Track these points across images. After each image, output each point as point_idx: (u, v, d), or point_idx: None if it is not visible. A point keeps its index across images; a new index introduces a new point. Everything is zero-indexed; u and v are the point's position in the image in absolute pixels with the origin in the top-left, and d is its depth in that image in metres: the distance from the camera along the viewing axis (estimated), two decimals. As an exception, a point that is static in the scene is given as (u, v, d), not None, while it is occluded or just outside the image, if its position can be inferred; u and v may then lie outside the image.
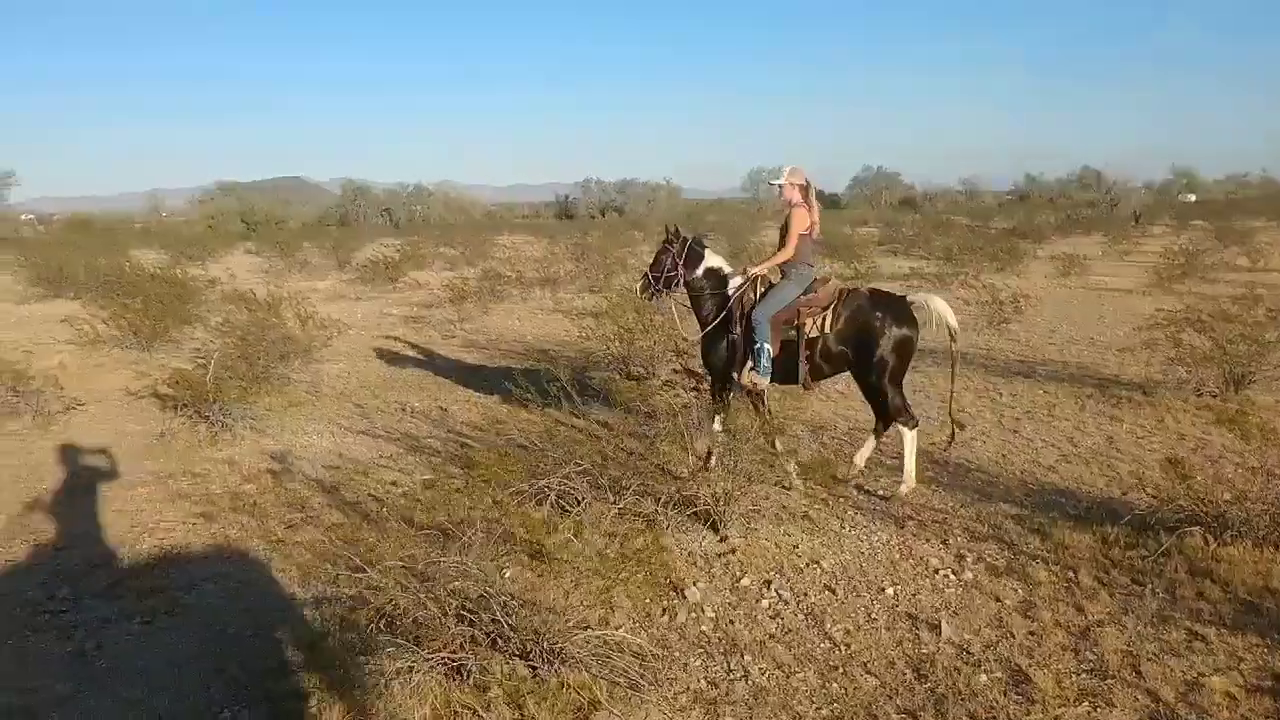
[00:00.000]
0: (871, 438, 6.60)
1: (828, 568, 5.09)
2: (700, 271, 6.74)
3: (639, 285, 7.08)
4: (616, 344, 10.23)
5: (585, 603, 4.29)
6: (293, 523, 6.09)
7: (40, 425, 8.71)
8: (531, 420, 7.92)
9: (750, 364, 6.47)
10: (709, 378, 6.95)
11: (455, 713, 3.66)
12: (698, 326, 6.88)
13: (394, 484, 6.82)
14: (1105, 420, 8.07)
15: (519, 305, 17.41)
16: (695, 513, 5.55)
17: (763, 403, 6.57)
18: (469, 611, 3.92)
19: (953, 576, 4.95)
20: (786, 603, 4.71)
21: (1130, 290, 17.90)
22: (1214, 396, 8.40)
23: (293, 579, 5.20)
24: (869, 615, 4.56)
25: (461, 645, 3.85)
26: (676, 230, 6.88)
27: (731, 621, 4.53)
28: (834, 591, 4.82)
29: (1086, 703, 3.71)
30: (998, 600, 4.67)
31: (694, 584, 4.84)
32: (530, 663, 3.88)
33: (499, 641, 3.90)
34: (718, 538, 5.44)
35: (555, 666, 3.84)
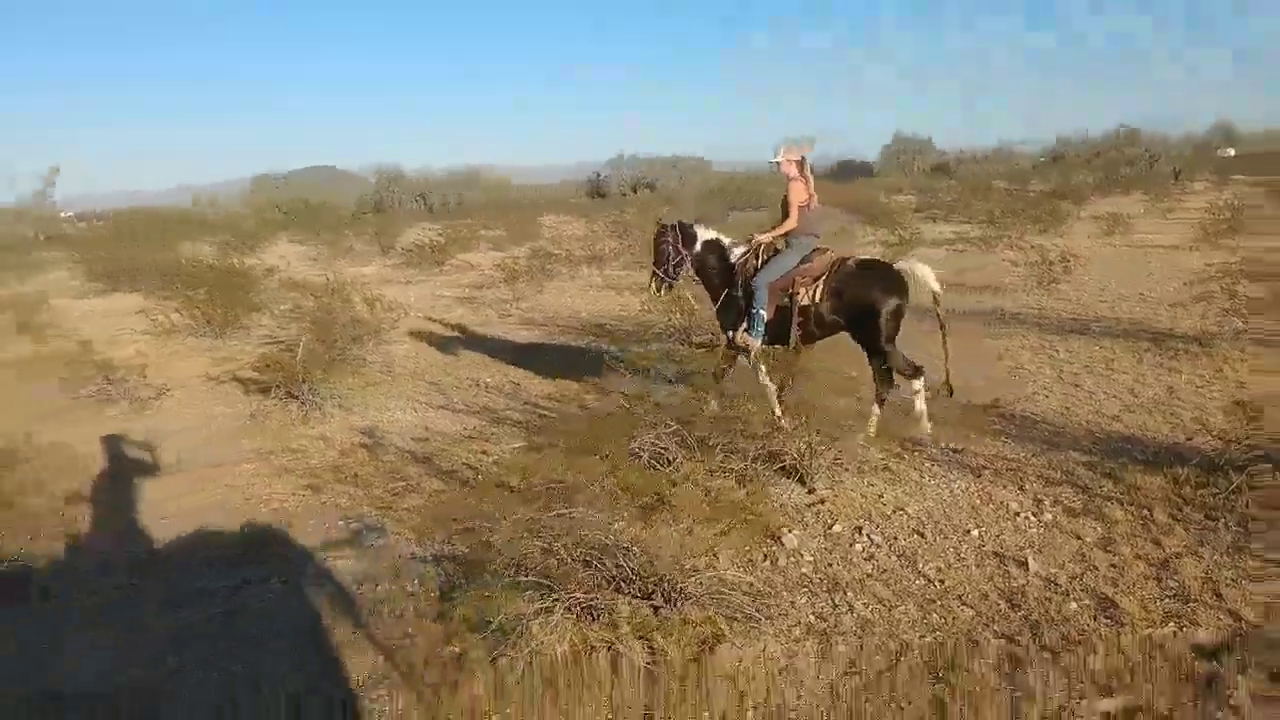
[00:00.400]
0: (875, 406, 6.84)
1: (913, 514, 5.39)
2: (699, 248, 7.30)
3: (651, 284, 7.54)
4: (678, 315, 10.51)
5: (694, 550, 4.60)
6: (396, 490, 6.46)
7: (136, 410, 9.16)
8: (604, 390, 8.28)
9: (745, 325, 7.01)
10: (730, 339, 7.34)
11: (591, 648, 4.00)
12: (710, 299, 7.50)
13: (484, 453, 7.18)
14: (1164, 372, 8.27)
15: (569, 283, 17.73)
16: (782, 467, 5.85)
17: (748, 359, 7.19)
18: (594, 558, 4.26)
19: (1032, 518, 5.23)
20: (878, 546, 5.01)
21: (1176, 246, 17.94)
22: (1270, 346, 8.56)
23: (409, 539, 5.54)
24: (958, 555, 4.86)
25: (589, 589, 4.19)
26: (664, 223, 7.47)
27: (829, 564, 4.84)
28: (922, 535, 5.12)
29: (1172, 623, 4.00)
30: (1078, 538, 4.94)
31: (789, 531, 5.15)
32: (652, 603, 4.22)
33: (622, 585, 4.23)
34: (805, 490, 5.74)
35: (676, 605, 4.17)
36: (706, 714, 3.60)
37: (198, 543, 5.73)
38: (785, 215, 6.98)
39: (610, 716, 3.63)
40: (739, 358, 7.31)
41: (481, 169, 76.16)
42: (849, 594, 4.49)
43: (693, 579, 4.28)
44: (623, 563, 4.23)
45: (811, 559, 4.90)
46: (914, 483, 5.85)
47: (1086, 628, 4.02)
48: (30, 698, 4.00)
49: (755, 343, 6.97)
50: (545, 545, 4.36)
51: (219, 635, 4.55)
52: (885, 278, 6.74)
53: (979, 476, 5.91)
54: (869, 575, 4.70)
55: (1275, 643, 3.75)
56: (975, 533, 5.09)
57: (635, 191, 67.16)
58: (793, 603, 4.43)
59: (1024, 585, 4.47)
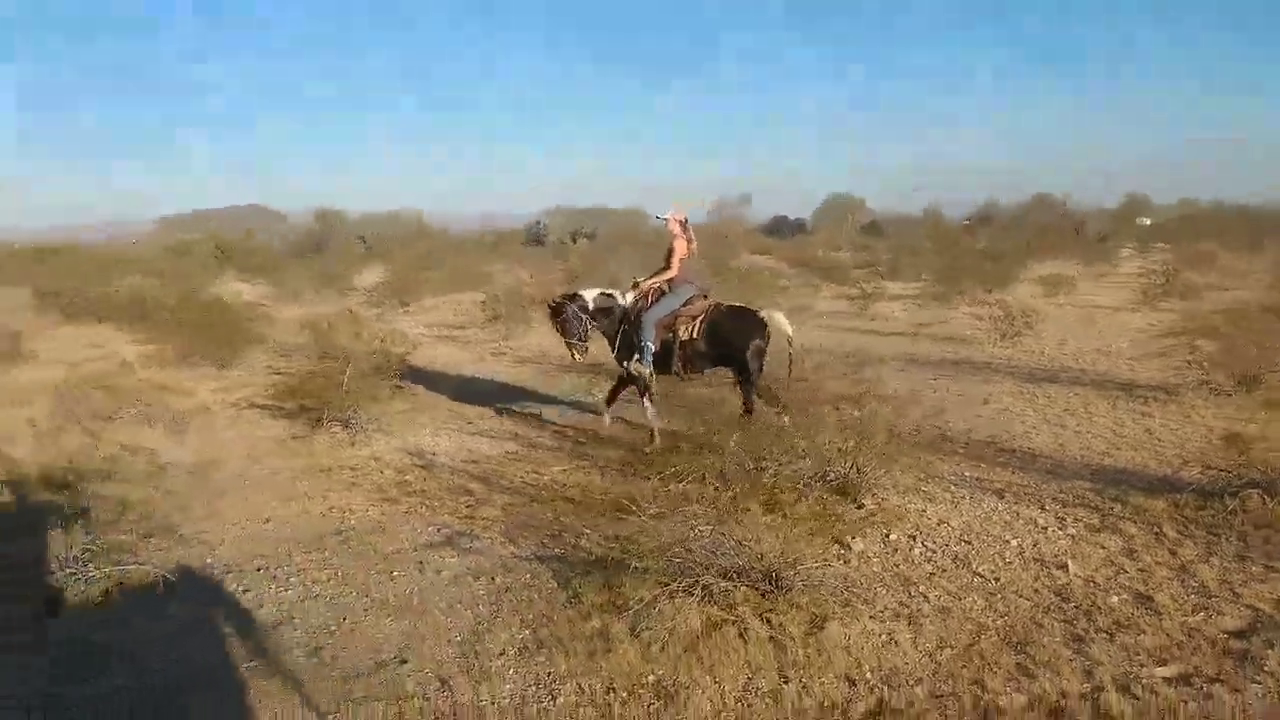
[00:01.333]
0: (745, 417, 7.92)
1: (956, 526, 6.14)
2: (593, 307, 8.55)
3: (573, 353, 8.74)
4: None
5: (783, 550, 5.26)
6: (470, 504, 7.03)
7: (175, 430, 9.54)
8: (625, 422, 9.00)
9: (636, 356, 8.28)
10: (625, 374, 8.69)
11: (717, 624, 4.65)
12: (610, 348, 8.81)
13: (536, 473, 7.79)
14: (1138, 416, 9.18)
15: (546, 323, 18.28)
16: (831, 486, 6.56)
17: (645, 386, 8.48)
18: (709, 553, 4.92)
19: (1059, 532, 6.01)
20: (933, 551, 5.74)
21: (1117, 307, 19.15)
22: (1229, 395, 9.55)
23: (501, 543, 6.13)
24: (1004, 559, 5.61)
25: (707, 577, 4.84)
26: (563, 297, 8.74)
27: (895, 565, 5.56)
28: (969, 543, 5.86)
29: (1201, 613, 4.78)
30: (1103, 548, 5.72)
31: (852, 538, 5.85)
32: (759, 589, 4.89)
33: (733, 574, 4.89)
34: (855, 504, 6.46)
35: (782, 592, 4.85)
36: (831, 674, 4.25)
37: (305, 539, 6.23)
38: (668, 264, 8.34)
39: (749, 675, 4.27)
40: (637, 386, 8.56)
41: (408, 213, 75.70)
42: (920, 588, 5.20)
43: (793, 571, 4.94)
44: (732, 557, 4.88)
45: (878, 561, 5.60)
46: (948, 501, 6.60)
47: (1130, 615, 4.78)
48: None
49: (646, 370, 8.27)
50: (659, 543, 4.99)
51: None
52: (750, 321, 8.18)
53: (1002, 498, 6.68)
54: (931, 574, 5.41)
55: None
56: (1014, 542, 5.85)
57: (574, 240, 67.83)
58: (875, 594, 5.11)
59: (1068, 584, 5.22)
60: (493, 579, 5.54)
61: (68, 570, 5.19)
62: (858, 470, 6.49)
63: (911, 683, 4.19)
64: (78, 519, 5.39)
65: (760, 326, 8.09)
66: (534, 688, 4.30)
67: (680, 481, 6.13)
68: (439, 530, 6.46)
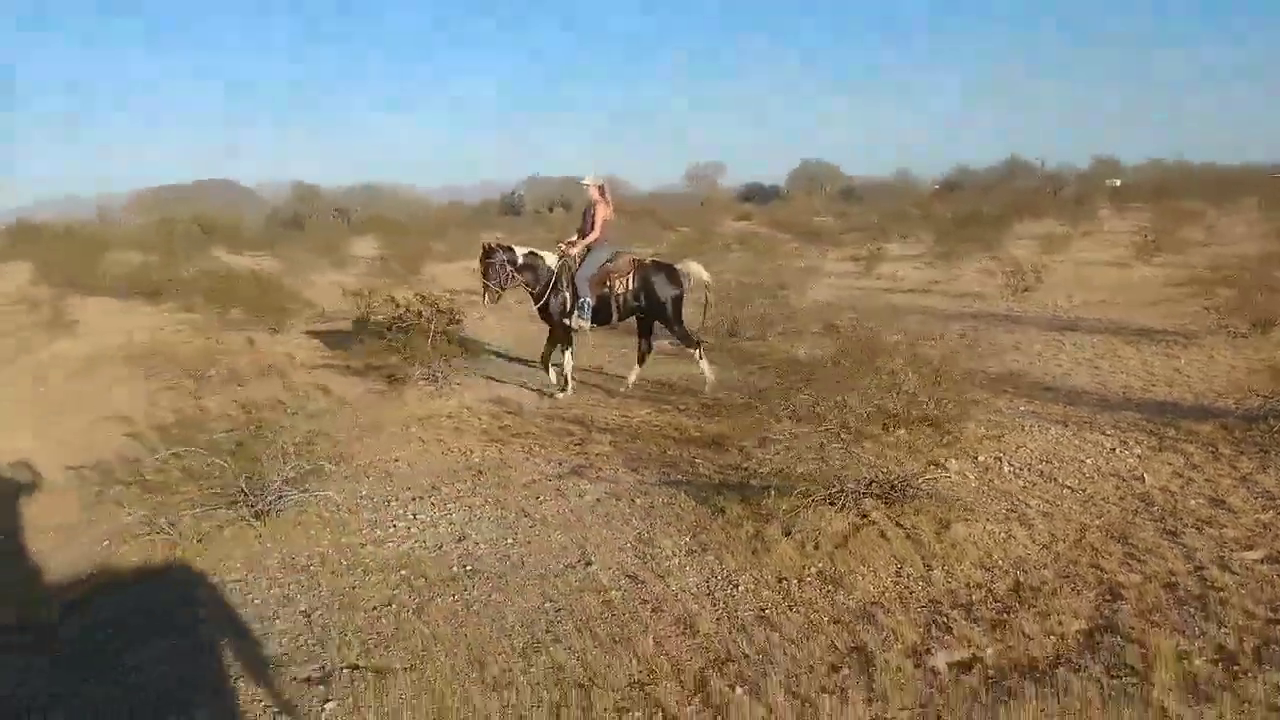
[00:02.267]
0: (697, 355, 9.38)
1: (1033, 449, 6.86)
2: (522, 261, 9.20)
3: (486, 297, 9.40)
4: (727, 306, 11.89)
5: (889, 469, 5.94)
6: (575, 441, 7.68)
7: (262, 389, 10.09)
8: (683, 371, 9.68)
9: (576, 312, 9.09)
10: (554, 325, 9.45)
11: (858, 527, 5.35)
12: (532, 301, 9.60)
13: (624, 416, 8.45)
14: (1164, 358, 9.94)
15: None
16: (915, 418, 7.24)
17: (582, 337, 9.66)
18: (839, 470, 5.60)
19: (1126, 452, 6.74)
20: (1020, 470, 6.46)
21: (1110, 263, 20.00)
22: (1244, 337, 10.34)
23: (624, 473, 6.78)
24: (1084, 474, 6.33)
25: (839, 490, 5.53)
26: (496, 244, 9.31)
27: (990, 481, 6.27)
28: (1049, 462, 6.58)
29: (1271, 511, 5.52)
30: (1169, 465, 6.44)
31: (947, 460, 6.55)
32: (886, 499, 5.59)
33: (861, 487, 5.58)
34: (941, 432, 7.14)
35: (906, 501, 5.55)
36: (967, 563, 4.96)
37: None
38: (591, 228, 9.23)
39: (898, 565, 4.98)
40: (560, 341, 9.48)
41: (383, 187, 75.65)
42: (1019, 497, 5.92)
43: (911, 484, 5.64)
44: (859, 472, 5.57)
45: (975, 478, 6.32)
46: (1019, 429, 7.31)
47: (1209, 515, 5.51)
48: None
49: (585, 323, 9.15)
50: (794, 459, 5.66)
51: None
52: (669, 274, 9.26)
53: (1065, 426, 7.41)
54: (1024, 487, 6.13)
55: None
56: (1089, 461, 6.58)
57: (551, 210, 68.01)
58: (982, 502, 5.83)
59: (1146, 492, 5.95)
60: (633, 500, 6.20)
61: (279, 495, 5.83)
62: (937, 403, 7.16)
63: (1039, 567, 4.91)
64: (275, 452, 5.95)
65: (678, 278, 9.27)
66: (713, 580, 4.98)
67: (778, 419, 6.76)
68: (560, 464, 7.09)
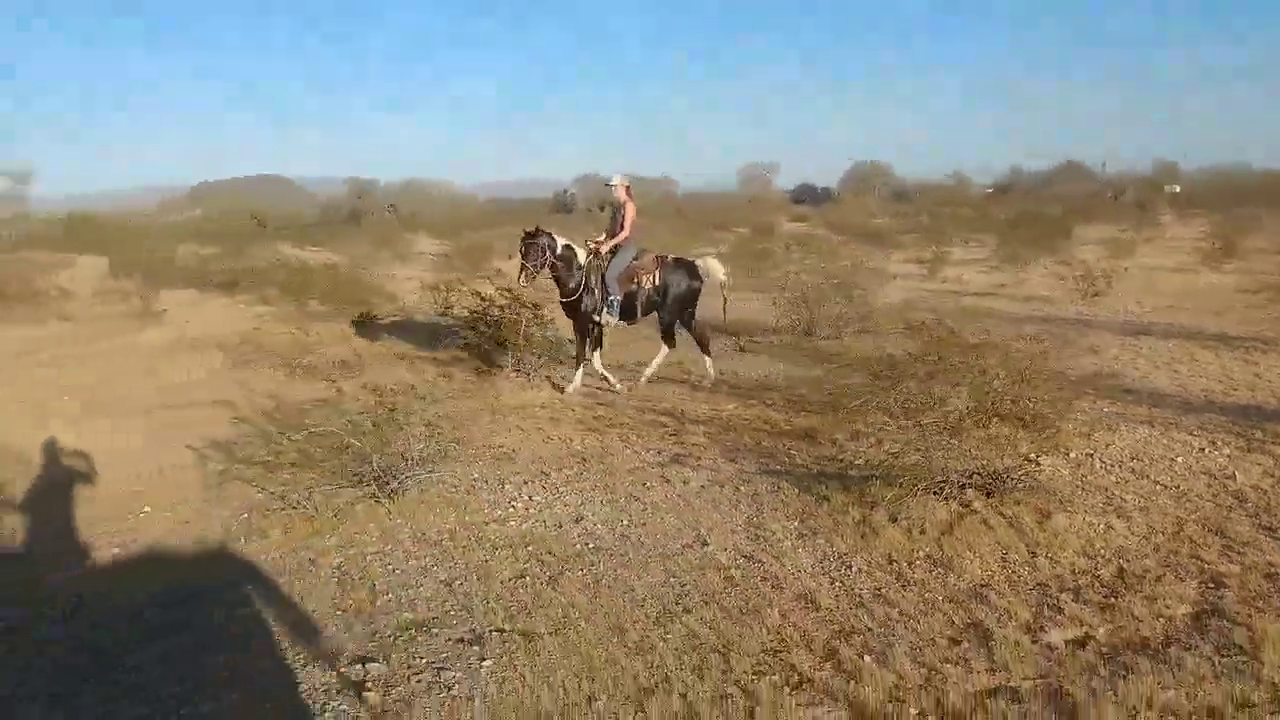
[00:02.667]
0: (705, 359, 9.87)
1: (1122, 447, 7.05)
2: (560, 250, 9.38)
3: (522, 276, 9.50)
4: (803, 307, 12.16)
5: (986, 463, 6.17)
6: (669, 432, 7.98)
7: (355, 377, 10.50)
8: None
9: (606, 309, 9.42)
10: (582, 324, 9.70)
11: (961, 516, 5.60)
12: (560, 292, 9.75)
13: (714, 409, 8.72)
14: (1243, 364, 10.02)
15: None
16: (1007, 414, 7.45)
17: (604, 335, 9.94)
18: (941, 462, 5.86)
19: (1215, 452, 6.90)
20: (1112, 466, 6.66)
21: (1176, 269, 19.95)
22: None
23: (722, 462, 7.07)
24: (1175, 472, 6.52)
25: (943, 481, 5.78)
26: (537, 228, 9.47)
27: (1084, 476, 6.48)
28: (1139, 460, 6.77)
29: (1365, 509, 5.70)
30: (1259, 465, 6.60)
31: (1040, 455, 6.75)
32: (986, 490, 5.83)
33: (966, 478, 5.83)
34: (1032, 430, 7.35)
35: (1006, 493, 5.79)
36: (1070, 550, 5.20)
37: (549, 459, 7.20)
38: (621, 227, 9.48)
39: (1003, 551, 5.22)
40: (587, 336, 9.74)
41: (429, 183, 76.25)
42: (1114, 491, 6.13)
43: (1010, 477, 5.88)
44: (959, 464, 5.81)
45: (1068, 473, 6.52)
46: (1106, 428, 7.50)
47: (1304, 511, 5.70)
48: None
49: (614, 319, 9.54)
50: (893, 451, 5.93)
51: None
52: (690, 270, 9.69)
53: (1152, 426, 7.58)
54: (1117, 483, 6.33)
55: None
56: (1179, 460, 6.76)
57: (602, 209, 68.17)
58: (1078, 496, 6.05)
59: (1239, 490, 6.13)
60: (737, 488, 6.49)
61: (406, 475, 6.21)
62: (1032, 401, 7.37)
63: (1140, 556, 5.13)
64: (405, 435, 6.33)
65: (696, 274, 9.71)
66: (826, 560, 5.26)
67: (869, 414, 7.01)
68: (660, 453, 7.40)
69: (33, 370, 11.50)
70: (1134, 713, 3.63)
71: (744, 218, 42.49)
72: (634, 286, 9.53)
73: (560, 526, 5.91)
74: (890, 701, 3.79)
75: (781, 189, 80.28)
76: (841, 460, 6.78)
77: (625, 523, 5.94)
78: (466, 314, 11.20)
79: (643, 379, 9.79)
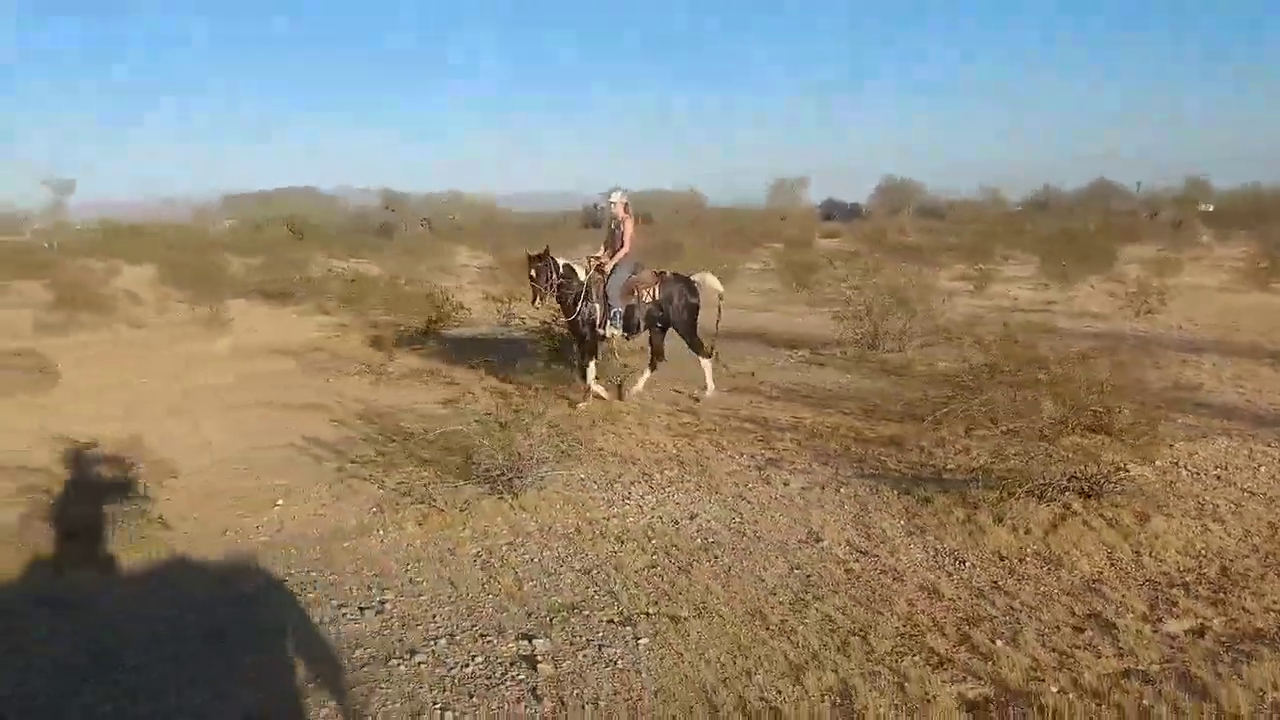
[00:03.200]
0: (705, 363, 10.07)
1: (1205, 456, 7.30)
2: (563, 271, 9.61)
3: (535, 299, 9.78)
4: (867, 320, 12.47)
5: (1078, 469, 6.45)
6: (758, 438, 8.29)
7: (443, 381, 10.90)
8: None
9: (610, 322, 9.63)
10: (585, 338, 9.83)
11: (1061, 516, 5.90)
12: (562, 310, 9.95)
13: (795, 417, 9.05)
14: (1317, 375, 10.26)
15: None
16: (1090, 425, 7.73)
17: (609, 347, 10.17)
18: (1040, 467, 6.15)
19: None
20: (1198, 474, 6.92)
21: (1222, 288, 20.11)
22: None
23: (816, 465, 7.39)
24: (1259, 479, 6.75)
25: (1045, 484, 6.08)
26: (547, 249, 9.66)
27: (1171, 482, 6.75)
28: (1223, 468, 7.02)
29: None
30: (1343, 473, 6.88)
31: (1128, 463, 7.02)
32: (1084, 494, 6.13)
33: (1064, 482, 6.13)
34: (1117, 439, 7.61)
35: (1104, 496, 6.08)
36: (1173, 550, 5.48)
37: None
38: (622, 244, 9.75)
39: (1108, 550, 5.52)
40: (589, 351, 9.85)
41: (465, 195, 76.51)
42: (1204, 497, 6.41)
43: (1110, 482, 6.16)
44: (1056, 469, 6.11)
45: (1156, 480, 6.79)
46: (1186, 439, 7.75)
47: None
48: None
49: (618, 331, 9.75)
50: (989, 457, 6.23)
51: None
52: (687, 285, 10.01)
53: (1230, 438, 7.83)
54: (1206, 489, 6.60)
55: None
56: (1262, 469, 7.02)
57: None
58: (1171, 501, 6.33)
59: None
60: (837, 489, 6.81)
61: (528, 473, 6.59)
62: (1110, 411, 7.65)
63: (1241, 556, 5.41)
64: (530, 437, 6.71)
65: (694, 289, 10.04)
66: (938, 556, 5.57)
67: (955, 425, 7.33)
68: (754, 457, 7.72)
69: (133, 375, 11.98)
70: (1261, 693, 3.90)
71: (776, 232, 42.91)
72: (634, 300, 9.74)
73: (676, 523, 6.23)
74: (1030, 680, 4.09)
75: (810, 204, 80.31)
76: (932, 465, 7.11)
77: (738, 520, 6.26)
78: (537, 324, 11.56)
79: (706, 389, 9.97)
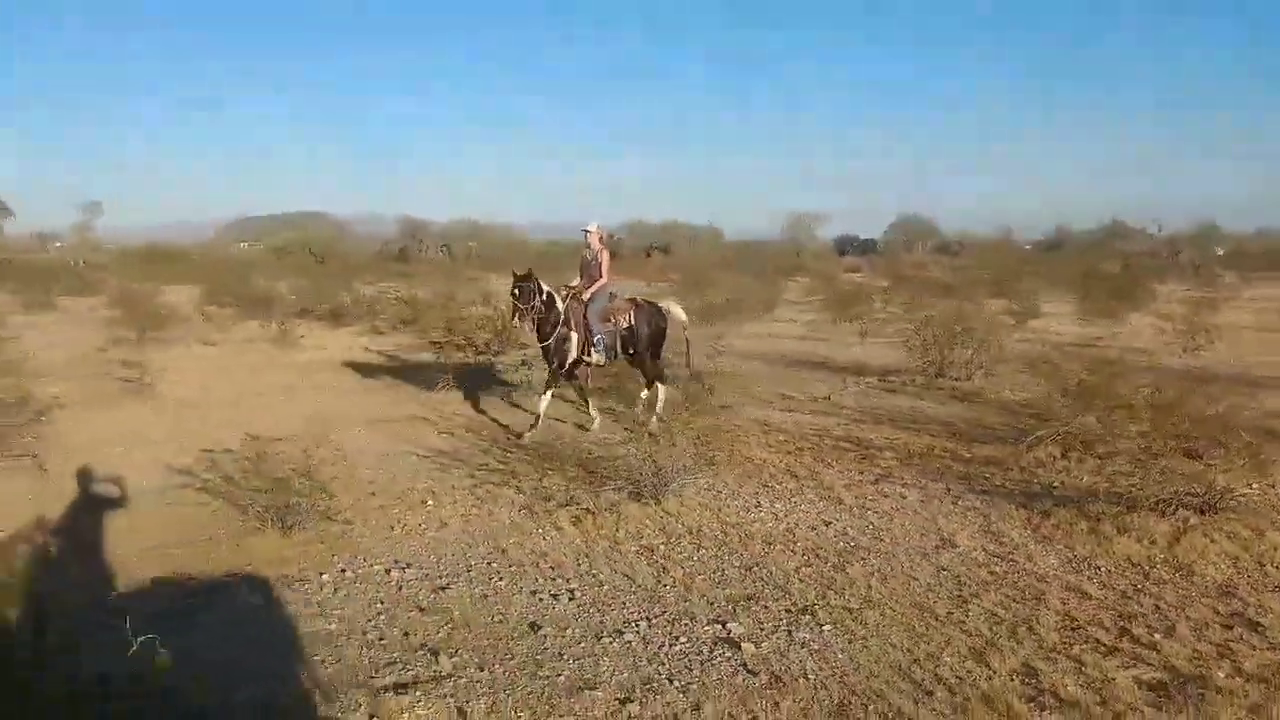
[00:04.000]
0: (659, 390, 10.39)
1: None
2: (545, 295, 9.65)
3: (516, 318, 9.72)
4: (935, 351, 12.91)
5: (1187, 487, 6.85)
6: (858, 456, 8.71)
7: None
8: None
9: (593, 348, 9.88)
10: (556, 365, 9.92)
11: (1182, 529, 6.31)
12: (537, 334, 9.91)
13: (885, 437, 9.45)
14: (1371, 409, 10.67)
15: (744, 323, 19.99)
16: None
17: (588, 374, 10.38)
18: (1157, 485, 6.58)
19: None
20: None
21: (1255, 328, 20.49)
22: None
23: (925, 481, 7.81)
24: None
25: (1165, 500, 6.51)
26: (530, 271, 9.69)
27: (1274, 502, 7.15)
28: (1291, 486, 7.44)
29: None
30: None
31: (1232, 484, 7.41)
32: (1199, 510, 6.55)
33: (1181, 498, 6.55)
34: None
35: (1218, 513, 6.50)
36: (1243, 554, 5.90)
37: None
38: (600, 274, 10.03)
39: (1232, 559, 5.92)
40: (551, 379, 10.03)
41: (485, 224, 77.17)
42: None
43: (1225, 499, 6.58)
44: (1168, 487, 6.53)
45: (1258, 496, 7.18)
46: (1273, 461, 8.14)
47: None
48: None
49: (600, 357, 9.99)
50: (1107, 478, 6.67)
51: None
52: (656, 311, 10.43)
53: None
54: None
55: None
56: (1329, 487, 7.43)
57: (649, 255, 69.25)
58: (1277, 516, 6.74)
59: None
60: (954, 502, 7.24)
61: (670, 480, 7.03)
62: (1220, 438, 8.01)
63: (1362, 565, 5.83)
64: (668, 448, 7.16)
65: (662, 316, 10.49)
66: (1071, 562, 5.97)
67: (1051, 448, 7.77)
68: (863, 473, 8.13)
69: (247, 388, 12.45)
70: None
71: (794, 266, 43.53)
72: (610, 326, 10.04)
73: (813, 529, 6.65)
74: (1196, 667, 4.50)
75: (825, 240, 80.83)
76: (1038, 483, 7.53)
77: (871, 527, 6.68)
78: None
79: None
